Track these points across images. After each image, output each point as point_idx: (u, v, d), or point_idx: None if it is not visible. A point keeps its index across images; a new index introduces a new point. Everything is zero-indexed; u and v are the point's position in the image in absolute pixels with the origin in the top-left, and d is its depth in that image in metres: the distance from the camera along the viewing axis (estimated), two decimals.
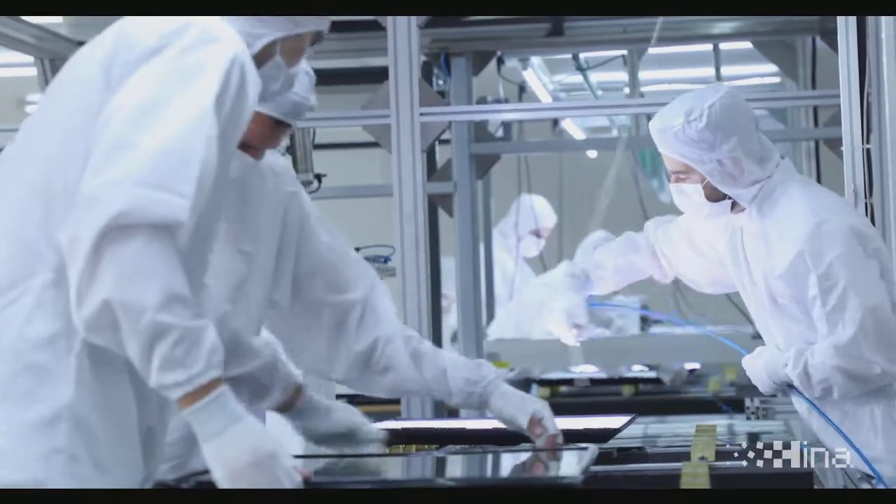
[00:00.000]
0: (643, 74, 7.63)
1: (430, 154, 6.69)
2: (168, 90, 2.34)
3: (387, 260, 5.31)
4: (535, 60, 7.62)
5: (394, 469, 3.05)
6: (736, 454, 3.10)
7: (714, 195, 4.01)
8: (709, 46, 7.42)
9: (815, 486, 2.93)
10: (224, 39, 2.41)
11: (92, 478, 2.34)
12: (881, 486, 3.72)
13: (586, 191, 5.70)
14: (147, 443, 2.47)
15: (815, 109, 7.36)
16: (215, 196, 2.42)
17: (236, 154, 2.67)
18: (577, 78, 7.93)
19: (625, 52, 7.31)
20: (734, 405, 6.36)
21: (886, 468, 3.84)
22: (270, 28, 2.59)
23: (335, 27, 2.71)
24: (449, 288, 7.73)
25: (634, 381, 7.22)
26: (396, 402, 5.40)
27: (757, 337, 4.27)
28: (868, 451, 3.82)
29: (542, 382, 7.17)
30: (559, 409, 3.30)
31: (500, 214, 8.77)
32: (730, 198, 4.02)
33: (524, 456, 3.13)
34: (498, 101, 7.45)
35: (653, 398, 7.08)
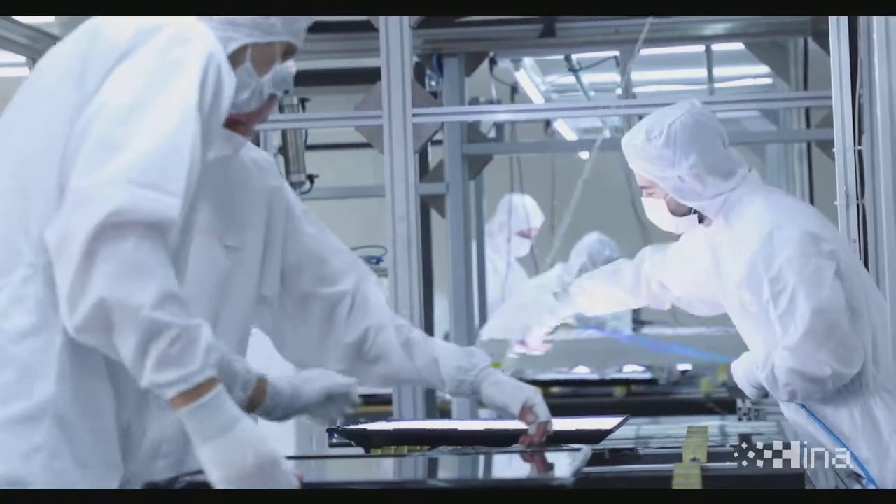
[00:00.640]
0: (635, 75, 7.64)
1: (423, 155, 6.68)
2: (151, 89, 2.34)
3: (379, 261, 5.31)
4: (528, 61, 7.62)
5: (386, 470, 3.05)
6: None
7: (679, 209, 4.08)
8: (701, 47, 7.43)
9: (807, 487, 2.93)
10: (200, 38, 2.42)
11: (73, 475, 2.33)
12: (871, 486, 3.73)
13: (578, 192, 5.68)
14: (125, 440, 2.45)
15: (808, 111, 7.36)
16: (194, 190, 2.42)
17: (224, 134, 2.70)
18: (570, 79, 7.93)
19: (617, 53, 7.31)
20: (726, 406, 6.36)
21: (873, 468, 3.85)
22: (240, 34, 2.62)
23: (327, 27, 2.72)
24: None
25: (626, 382, 7.22)
26: (388, 402, 5.39)
27: None
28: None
29: (535, 383, 7.15)
30: (552, 410, 3.29)
31: (493, 215, 8.76)
32: (696, 212, 4.06)
33: (516, 457, 3.13)
34: (490, 101, 7.45)
35: (645, 399, 7.08)
